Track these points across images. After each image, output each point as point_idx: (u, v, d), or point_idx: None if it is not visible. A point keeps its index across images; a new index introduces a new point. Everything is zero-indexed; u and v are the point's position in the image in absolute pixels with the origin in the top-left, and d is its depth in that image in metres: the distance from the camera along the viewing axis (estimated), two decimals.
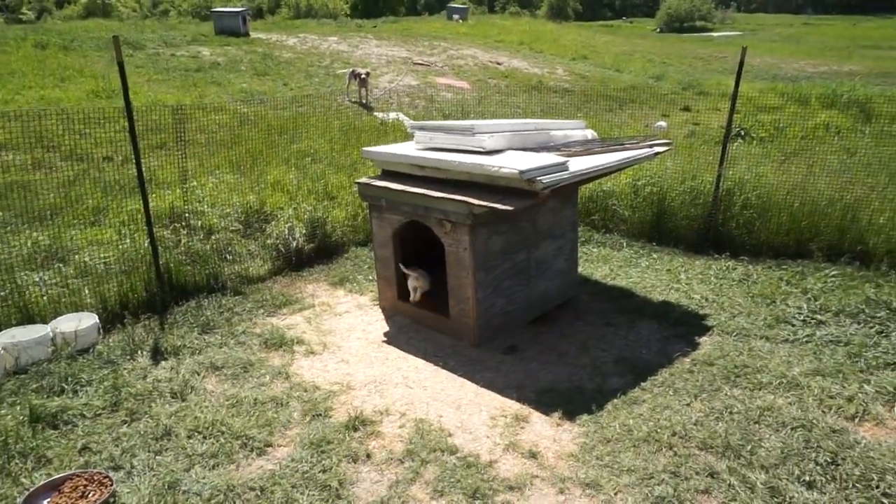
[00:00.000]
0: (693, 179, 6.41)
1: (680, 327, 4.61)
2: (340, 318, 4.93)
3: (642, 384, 3.91)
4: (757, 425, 3.49)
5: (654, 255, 6.00)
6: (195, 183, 6.47)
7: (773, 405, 3.64)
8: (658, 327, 4.66)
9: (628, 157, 4.51)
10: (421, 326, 4.73)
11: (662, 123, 10.50)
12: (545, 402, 3.76)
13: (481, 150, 4.30)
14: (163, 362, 4.20)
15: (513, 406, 3.74)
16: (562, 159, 4.16)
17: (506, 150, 4.45)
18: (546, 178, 3.90)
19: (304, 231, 6.04)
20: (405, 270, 4.73)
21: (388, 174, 4.75)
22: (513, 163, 4.00)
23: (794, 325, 4.53)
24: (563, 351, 4.37)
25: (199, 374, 4.06)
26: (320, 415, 3.65)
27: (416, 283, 4.75)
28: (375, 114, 10.97)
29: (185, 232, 5.73)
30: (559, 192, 4.23)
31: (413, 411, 3.71)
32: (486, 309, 4.38)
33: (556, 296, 4.98)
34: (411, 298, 4.76)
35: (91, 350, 4.27)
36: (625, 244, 6.29)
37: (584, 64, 19.78)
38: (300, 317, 4.95)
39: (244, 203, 6.40)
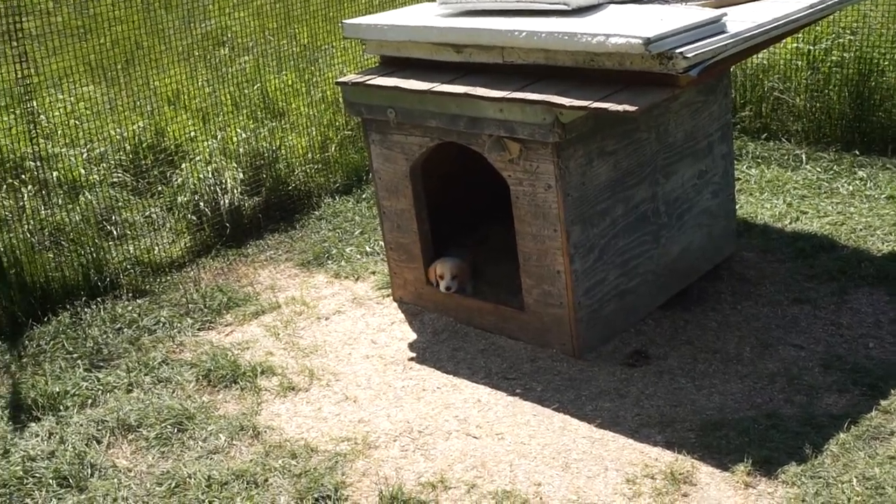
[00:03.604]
0: None
1: None
2: (328, 324, 4.93)
3: (881, 402, 3.87)
4: None
5: (860, 173, 5.98)
6: (34, 104, 6.37)
7: None
8: (889, 300, 4.64)
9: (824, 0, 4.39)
10: (472, 329, 4.74)
11: None
12: (716, 445, 3.72)
13: (563, 6, 4.21)
14: (33, 425, 4.16)
15: (661, 457, 3.70)
16: (712, 13, 4.03)
17: (605, 3, 4.37)
18: (691, 50, 3.77)
19: (239, 176, 6.05)
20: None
21: (393, 64, 4.69)
22: (627, 26, 3.88)
23: None
24: (731, 353, 4.35)
25: (100, 442, 4.02)
26: (327, 498, 3.61)
27: (442, 271, 4.80)
28: None
29: (31, 192, 5.68)
30: (704, 76, 4.12)
31: (488, 479, 3.66)
32: (589, 289, 4.34)
33: (703, 257, 4.96)
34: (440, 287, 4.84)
35: None
36: (804, 157, 6.27)
37: None
38: (258, 326, 4.96)
39: (128, 134, 6.34)
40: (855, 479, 3.46)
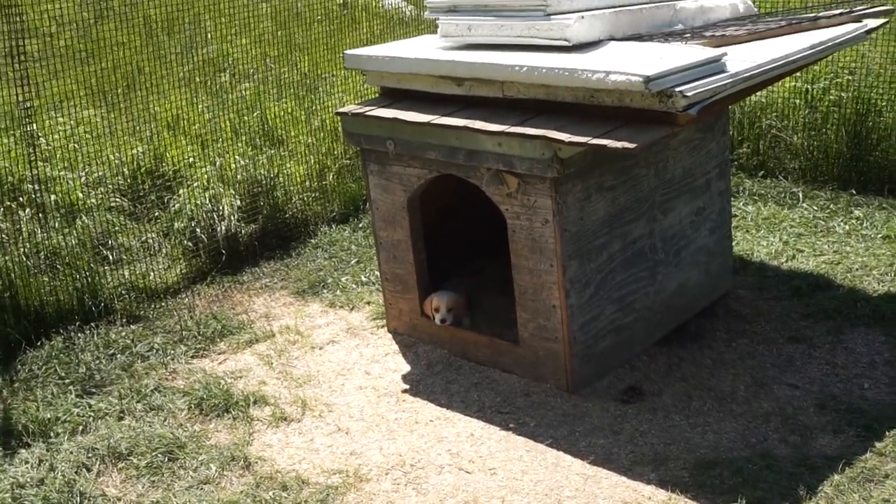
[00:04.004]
0: None
1: None
2: (322, 354, 4.92)
3: (876, 444, 3.86)
4: None
5: (857, 212, 6.01)
6: (34, 126, 6.39)
7: None
8: (885, 340, 4.65)
9: (824, 41, 4.41)
10: (466, 362, 4.72)
11: None
12: (709, 484, 3.70)
13: (564, 42, 4.23)
14: (23, 451, 4.13)
15: (654, 495, 3.68)
16: (712, 52, 4.05)
17: (605, 40, 4.39)
18: (691, 89, 3.79)
19: (237, 203, 6.05)
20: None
21: (393, 95, 4.71)
22: (628, 63, 3.90)
23: None
24: (725, 391, 4.34)
25: (90, 470, 3.99)
26: None
27: (437, 304, 4.77)
28: None
29: (29, 215, 5.67)
30: (703, 115, 4.13)
31: None
32: (585, 325, 4.34)
33: (699, 294, 4.97)
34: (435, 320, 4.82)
35: None
36: (801, 195, 6.29)
37: None
38: (252, 355, 4.93)
39: (127, 159, 6.34)
40: None
